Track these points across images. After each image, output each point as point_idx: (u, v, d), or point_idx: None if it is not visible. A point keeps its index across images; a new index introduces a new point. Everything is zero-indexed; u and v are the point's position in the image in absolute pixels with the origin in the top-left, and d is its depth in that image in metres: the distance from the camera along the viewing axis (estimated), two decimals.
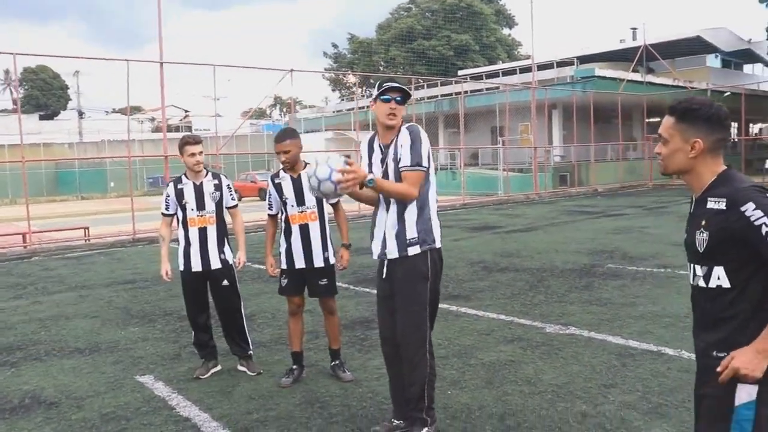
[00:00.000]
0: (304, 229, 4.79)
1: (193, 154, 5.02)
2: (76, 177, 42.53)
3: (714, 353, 2.21)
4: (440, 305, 6.93)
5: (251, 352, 5.30)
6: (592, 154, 30.98)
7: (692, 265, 2.30)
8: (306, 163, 4.87)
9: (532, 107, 26.38)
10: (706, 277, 2.22)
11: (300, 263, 4.80)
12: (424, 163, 3.57)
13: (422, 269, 3.60)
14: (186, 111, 70.07)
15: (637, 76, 34.07)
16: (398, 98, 3.61)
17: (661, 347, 5.30)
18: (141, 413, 4.37)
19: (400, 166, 3.58)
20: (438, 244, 3.69)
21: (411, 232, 3.60)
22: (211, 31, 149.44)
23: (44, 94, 69.89)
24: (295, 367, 4.92)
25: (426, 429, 3.67)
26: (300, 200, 4.79)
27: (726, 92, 34.32)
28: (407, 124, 3.66)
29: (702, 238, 2.20)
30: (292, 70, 18.37)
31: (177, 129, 55.74)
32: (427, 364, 3.65)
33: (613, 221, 15.31)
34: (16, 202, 35.95)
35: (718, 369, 2.14)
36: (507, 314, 6.62)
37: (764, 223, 2.02)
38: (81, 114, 59.52)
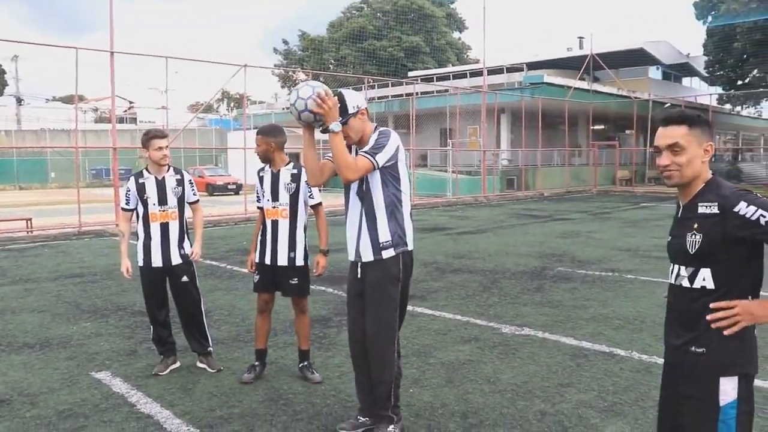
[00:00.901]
0: (274, 225, 4.78)
1: (160, 148, 4.95)
2: (14, 166, 41.05)
3: (693, 348, 2.34)
4: None
5: (211, 348, 5.25)
6: (539, 158, 31.66)
7: (677, 266, 2.41)
8: (289, 161, 4.88)
9: (482, 111, 26.75)
10: (691, 278, 2.35)
11: (267, 259, 4.79)
12: (379, 158, 3.53)
13: (394, 271, 3.66)
14: (131, 102, 68.45)
15: (583, 84, 34.92)
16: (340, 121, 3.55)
17: (612, 348, 5.48)
18: (100, 410, 4.30)
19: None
20: (410, 246, 3.75)
21: (384, 235, 3.64)
22: (161, 21, 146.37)
23: None
24: (257, 363, 4.90)
25: (392, 426, 3.73)
26: (274, 195, 4.78)
27: (666, 103, 35.49)
28: (381, 129, 3.69)
29: (694, 240, 2.31)
30: (245, 66, 18.18)
31: (122, 120, 54.48)
32: (395, 363, 3.71)
33: (560, 225, 15.69)
34: None
35: (716, 306, 2.27)
36: (462, 314, 6.74)
37: (761, 215, 2.17)
38: (20, 101, 57.45)
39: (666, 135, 2.37)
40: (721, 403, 2.27)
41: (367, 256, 3.67)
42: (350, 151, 3.69)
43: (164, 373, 5.00)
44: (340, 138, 3.47)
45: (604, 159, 35.59)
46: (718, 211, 2.26)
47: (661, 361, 5.04)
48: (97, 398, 4.51)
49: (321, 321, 6.53)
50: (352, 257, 3.78)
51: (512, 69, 36.60)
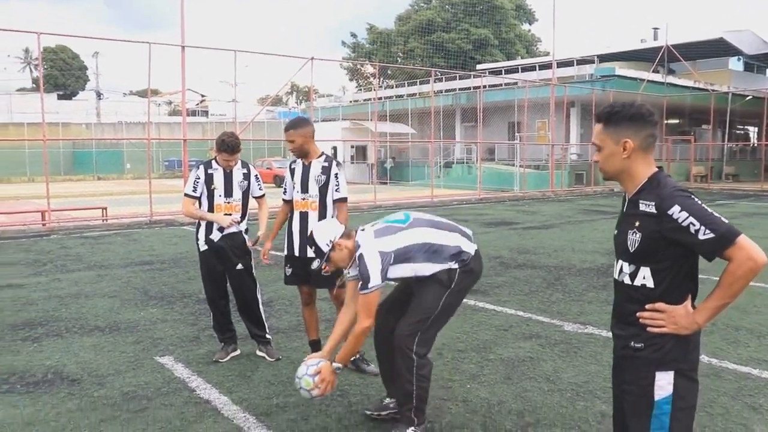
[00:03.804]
0: (304, 217, 4.80)
1: (227, 161, 5.07)
2: (93, 157, 42.84)
3: (632, 344, 2.35)
4: None
5: (269, 337, 5.32)
6: None
7: (620, 261, 2.41)
8: (322, 153, 4.88)
9: (551, 104, 26.26)
10: (633, 275, 2.35)
11: (296, 251, 4.82)
12: (373, 283, 3.46)
13: (443, 278, 3.61)
14: (202, 95, 70.26)
15: (657, 77, 33.78)
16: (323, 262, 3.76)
17: None
18: (161, 393, 4.41)
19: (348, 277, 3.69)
20: (456, 264, 3.64)
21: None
22: (231, 15, 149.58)
23: (63, 74, 70.22)
24: None
25: (412, 429, 3.61)
26: (304, 187, 4.80)
27: (748, 96, 33.99)
28: (357, 253, 3.57)
29: (634, 238, 2.31)
30: (312, 59, 18.35)
31: (194, 113, 55.96)
32: (413, 363, 3.55)
33: None
34: (34, 180, 36.30)
35: (647, 307, 2.29)
36: (525, 311, 6.61)
37: (691, 223, 2.16)
38: (99, 95, 59.80)
39: (593, 133, 2.44)
40: (656, 397, 2.29)
41: None
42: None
43: (224, 360, 5.09)
44: (345, 356, 3.60)
45: (678, 154, 34.38)
46: (655, 211, 2.24)
47: (731, 366, 4.84)
48: (159, 382, 4.63)
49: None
50: None
51: (583, 61, 35.69)
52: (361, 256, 3.51)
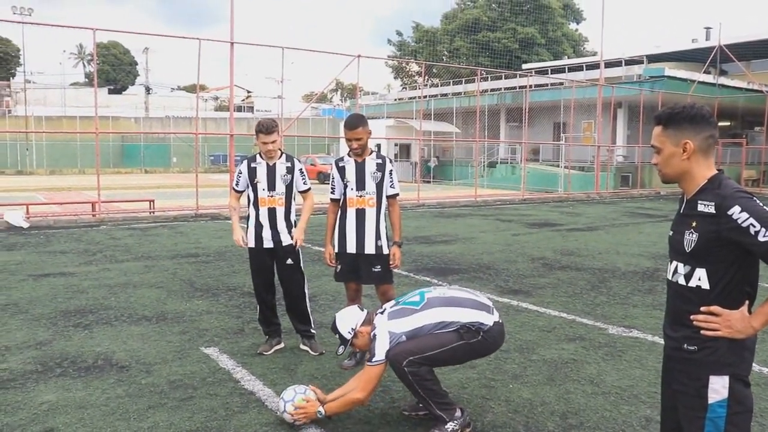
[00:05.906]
0: (360, 214, 4.82)
1: (264, 143, 5.07)
2: (140, 151, 43.79)
3: (684, 346, 2.33)
4: (500, 299, 6.91)
5: (314, 332, 5.37)
6: None
7: (675, 262, 2.39)
8: (372, 150, 4.91)
9: (598, 105, 25.86)
10: (688, 276, 2.33)
11: (351, 248, 4.84)
12: (377, 358, 3.65)
13: (463, 331, 3.69)
14: (248, 91, 71.08)
15: (709, 78, 32.97)
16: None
17: None
18: (207, 383, 4.50)
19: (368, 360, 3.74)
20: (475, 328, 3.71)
21: None
22: (278, 12, 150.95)
23: (114, 69, 71.83)
24: (357, 350, 4.95)
25: (451, 424, 3.67)
26: (360, 185, 4.83)
27: None
28: (373, 332, 3.78)
29: (691, 238, 2.29)
30: (359, 56, 18.41)
31: (240, 109, 56.70)
32: (405, 373, 3.61)
33: None
34: (84, 172, 37.27)
35: (702, 310, 2.26)
36: (568, 312, 6.54)
37: (752, 224, 2.15)
38: (148, 90, 61.03)
39: (652, 135, 2.43)
40: (710, 400, 2.27)
41: None
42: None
43: (269, 353, 5.16)
44: (331, 410, 3.75)
45: (728, 158, 33.52)
46: (714, 212, 2.22)
47: None
48: (204, 372, 4.72)
49: None
50: None
51: (631, 62, 35.07)
52: (374, 336, 3.71)
